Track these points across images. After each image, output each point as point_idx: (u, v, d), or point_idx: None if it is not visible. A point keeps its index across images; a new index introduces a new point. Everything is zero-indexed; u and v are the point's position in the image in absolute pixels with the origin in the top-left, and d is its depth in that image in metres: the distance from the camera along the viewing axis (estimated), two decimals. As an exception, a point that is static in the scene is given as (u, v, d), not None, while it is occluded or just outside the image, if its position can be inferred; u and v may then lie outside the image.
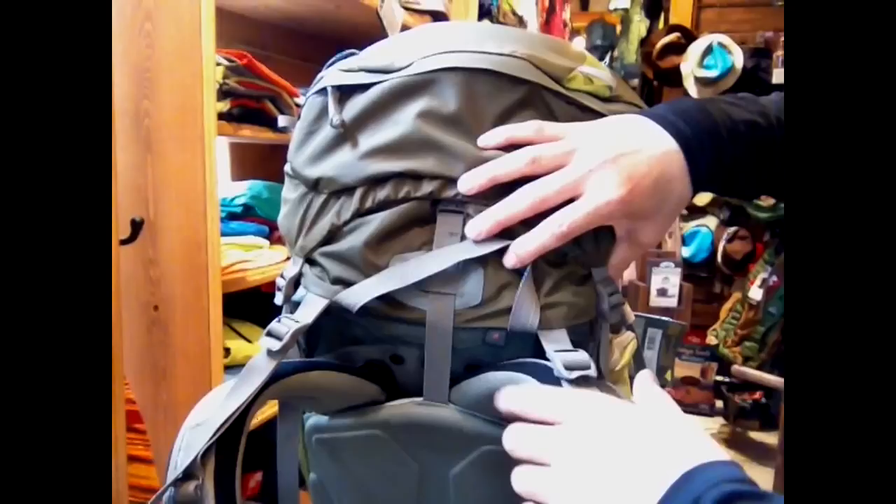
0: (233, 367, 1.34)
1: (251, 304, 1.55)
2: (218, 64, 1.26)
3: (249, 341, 1.46)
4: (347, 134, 0.49)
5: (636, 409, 0.42)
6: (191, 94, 1.18)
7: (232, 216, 1.48)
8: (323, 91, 0.51)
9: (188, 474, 0.40)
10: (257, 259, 1.44)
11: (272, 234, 1.55)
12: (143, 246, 1.24)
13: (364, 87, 0.49)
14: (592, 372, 0.43)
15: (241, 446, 0.44)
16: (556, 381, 0.44)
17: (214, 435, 0.41)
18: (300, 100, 1.54)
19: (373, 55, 0.51)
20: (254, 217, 1.51)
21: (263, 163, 1.87)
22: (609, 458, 0.38)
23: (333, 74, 0.51)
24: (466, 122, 0.48)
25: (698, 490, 0.34)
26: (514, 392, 0.44)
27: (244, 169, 1.83)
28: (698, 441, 0.38)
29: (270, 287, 1.59)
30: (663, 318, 2.18)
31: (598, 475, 0.38)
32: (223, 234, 1.31)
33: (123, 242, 1.19)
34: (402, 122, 0.48)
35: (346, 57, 0.53)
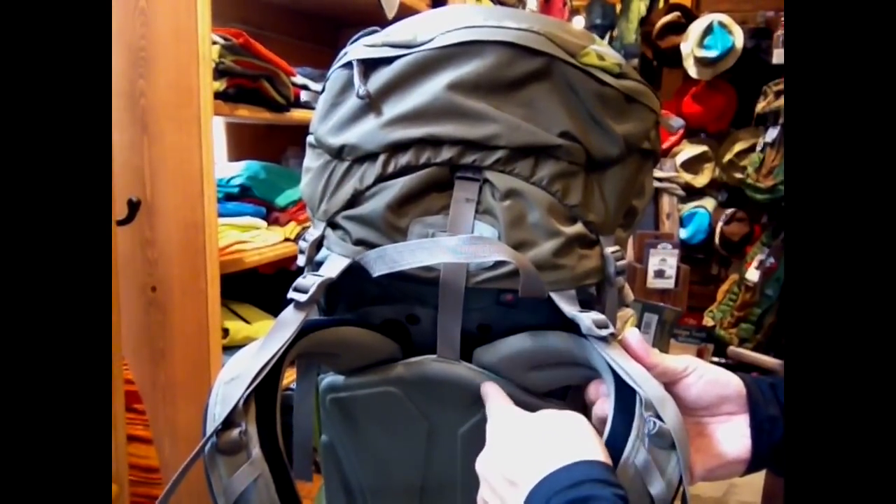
0: (231, 348, 1.34)
1: (249, 286, 1.54)
2: (214, 43, 1.24)
3: (248, 322, 1.45)
4: (372, 104, 0.52)
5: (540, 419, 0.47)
6: (187, 73, 1.17)
7: (229, 197, 1.47)
8: (348, 65, 0.54)
9: (229, 422, 0.42)
10: (254, 240, 1.43)
11: (269, 216, 1.54)
12: (140, 227, 1.23)
13: (388, 61, 0.52)
14: (614, 330, 0.47)
15: (279, 397, 0.46)
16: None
17: (252, 383, 0.43)
18: (297, 79, 1.53)
19: (396, 31, 0.54)
20: (251, 198, 1.51)
21: (260, 143, 1.86)
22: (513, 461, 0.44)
23: (358, 49, 0.54)
24: (486, 88, 0.50)
25: (546, 496, 0.40)
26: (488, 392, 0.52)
27: (240, 149, 1.82)
28: (569, 442, 0.43)
29: (268, 268, 1.59)
30: (659, 304, 2.20)
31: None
32: (220, 216, 1.30)
33: (120, 223, 1.18)
34: (426, 91, 0.50)
35: (368, 34, 0.55)
